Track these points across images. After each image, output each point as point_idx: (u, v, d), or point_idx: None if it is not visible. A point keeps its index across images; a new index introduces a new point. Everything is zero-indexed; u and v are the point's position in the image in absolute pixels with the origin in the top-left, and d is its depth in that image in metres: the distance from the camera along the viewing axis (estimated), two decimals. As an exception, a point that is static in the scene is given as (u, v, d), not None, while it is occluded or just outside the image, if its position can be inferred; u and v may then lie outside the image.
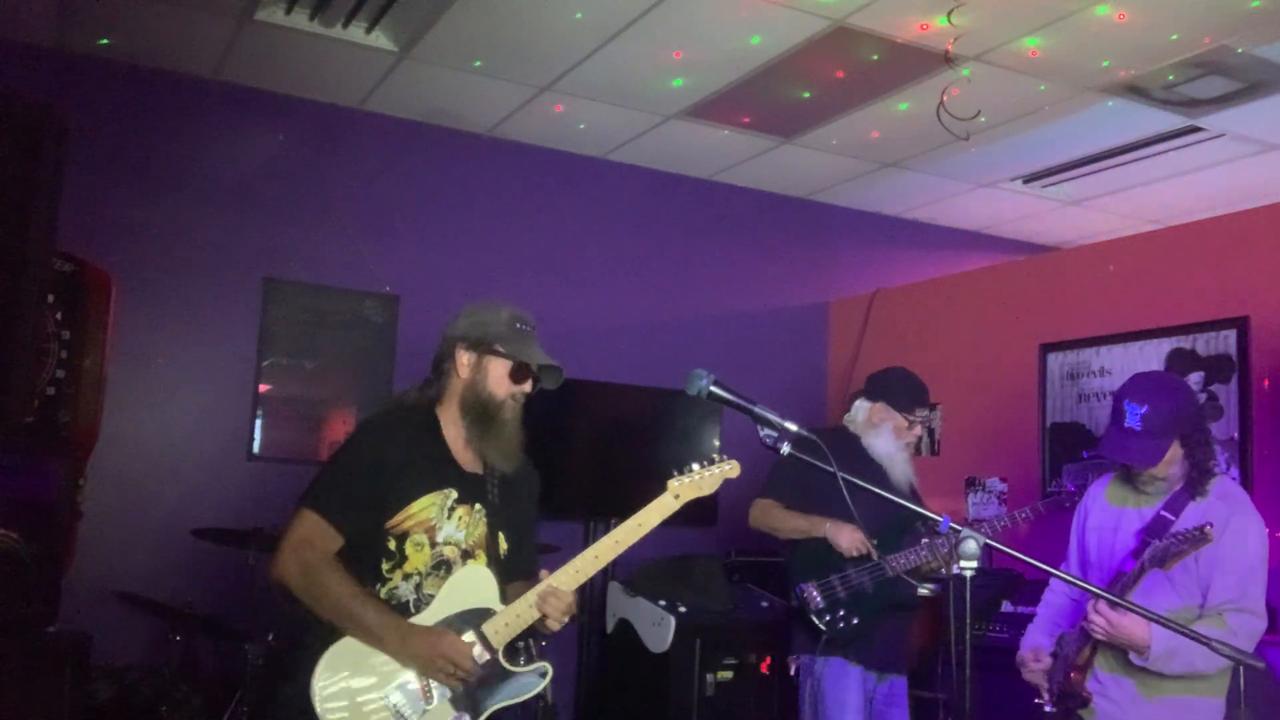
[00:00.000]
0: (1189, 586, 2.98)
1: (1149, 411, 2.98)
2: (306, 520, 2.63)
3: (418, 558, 2.67)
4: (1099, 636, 2.95)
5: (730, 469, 2.75)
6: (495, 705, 2.66)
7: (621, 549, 2.72)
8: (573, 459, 5.69)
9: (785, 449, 2.39)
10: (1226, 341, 4.67)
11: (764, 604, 5.34)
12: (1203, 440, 3.06)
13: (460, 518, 2.73)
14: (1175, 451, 3.03)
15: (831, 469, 2.38)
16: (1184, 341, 4.82)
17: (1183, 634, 2.47)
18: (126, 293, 5.05)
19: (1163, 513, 3.04)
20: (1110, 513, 3.21)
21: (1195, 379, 4.71)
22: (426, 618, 2.63)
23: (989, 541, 2.32)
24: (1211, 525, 2.82)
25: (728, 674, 5.13)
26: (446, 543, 2.70)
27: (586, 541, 4.66)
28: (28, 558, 3.81)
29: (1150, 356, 4.93)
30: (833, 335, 6.86)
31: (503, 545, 2.80)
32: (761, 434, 2.39)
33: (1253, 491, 4.08)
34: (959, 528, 2.31)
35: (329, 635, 2.60)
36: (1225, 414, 4.62)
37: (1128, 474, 3.18)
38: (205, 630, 4.66)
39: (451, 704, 2.62)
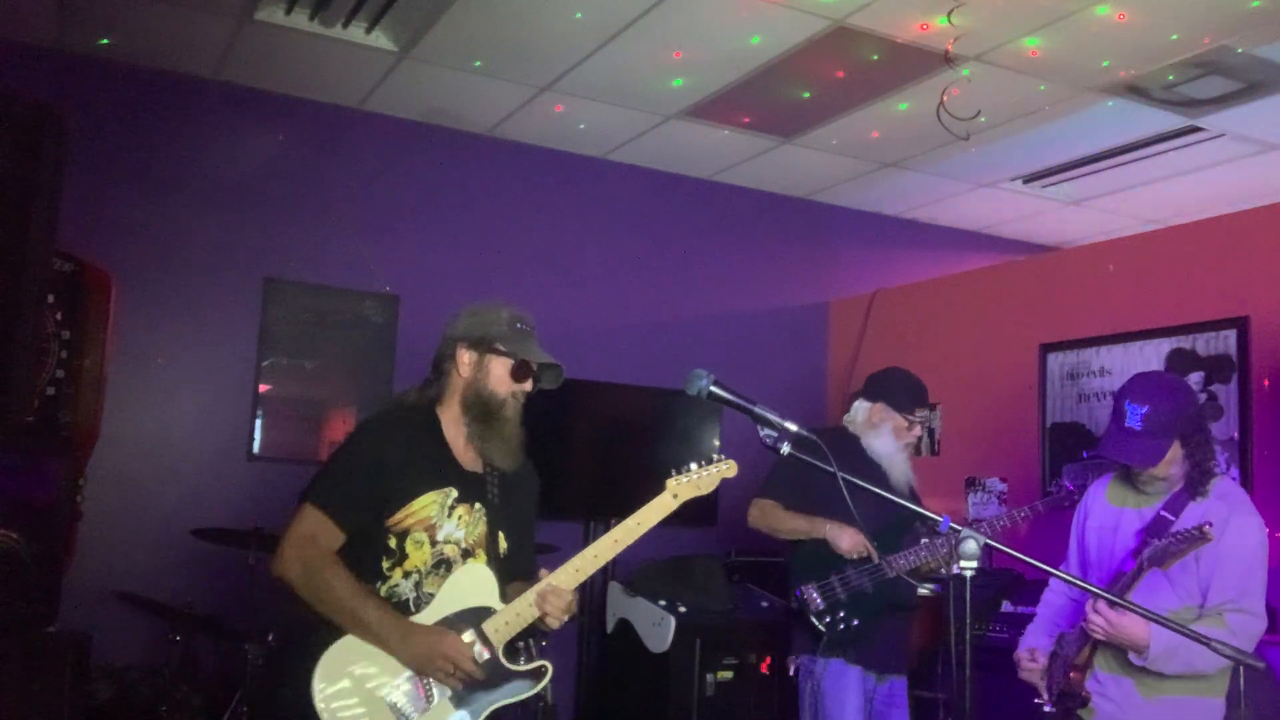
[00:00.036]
0: (1189, 586, 2.98)
1: (1150, 411, 2.98)
2: (310, 516, 2.64)
3: (418, 556, 2.67)
4: (1098, 636, 2.94)
5: (728, 468, 2.77)
6: (495, 704, 2.66)
7: (620, 548, 2.72)
8: (573, 459, 5.69)
9: (785, 449, 2.39)
10: (1226, 341, 4.66)
11: (764, 604, 5.34)
12: (1203, 440, 3.06)
13: (460, 516, 2.73)
14: (1175, 451, 3.03)
15: (831, 469, 2.38)
16: (1184, 341, 4.82)
17: (1182, 634, 2.47)
18: (126, 293, 5.06)
19: (1163, 513, 3.03)
20: (1110, 512, 3.21)
21: (1195, 379, 4.71)
22: (426, 616, 2.64)
23: (989, 541, 2.32)
24: (1211, 525, 2.82)
25: (728, 674, 5.12)
26: (447, 541, 2.70)
27: (586, 541, 4.66)
28: (28, 558, 3.81)
29: (1150, 356, 4.93)
30: (833, 335, 6.85)
31: (503, 544, 2.81)
32: (761, 434, 2.39)
33: (1253, 491, 4.08)
34: (959, 528, 2.31)
35: (329, 635, 2.60)
36: (1225, 414, 4.61)
37: (1128, 474, 3.18)
38: (205, 630, 4.66)
39: (451, 703, 2.62)
